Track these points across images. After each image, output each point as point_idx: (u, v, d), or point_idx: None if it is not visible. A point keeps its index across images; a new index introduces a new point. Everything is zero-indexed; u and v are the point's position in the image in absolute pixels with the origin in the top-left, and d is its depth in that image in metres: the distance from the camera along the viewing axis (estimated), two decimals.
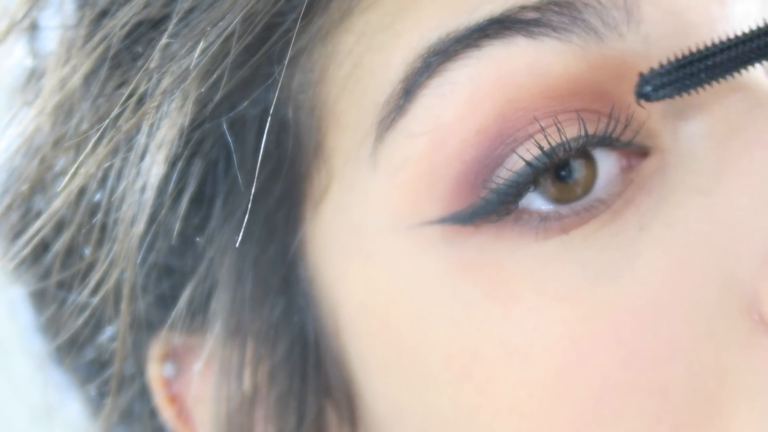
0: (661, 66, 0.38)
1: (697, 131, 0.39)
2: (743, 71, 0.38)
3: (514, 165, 0.39)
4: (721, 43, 0.38)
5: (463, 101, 0.38)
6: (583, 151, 0.39)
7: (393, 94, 0.39)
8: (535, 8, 0.38)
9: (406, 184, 0.39)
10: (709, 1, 0.39)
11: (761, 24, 0.38)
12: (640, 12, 0.38)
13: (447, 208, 0.39)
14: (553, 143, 0.38)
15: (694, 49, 0.38)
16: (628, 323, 0.37)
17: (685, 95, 0.38)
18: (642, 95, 0.38)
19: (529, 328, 0.38)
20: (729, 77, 0.38)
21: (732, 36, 0.38)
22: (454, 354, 0.39)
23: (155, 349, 0.46)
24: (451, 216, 0.39)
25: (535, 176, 0.39)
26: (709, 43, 0.38)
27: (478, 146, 0.39)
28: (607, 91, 0.39)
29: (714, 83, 0.38)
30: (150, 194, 0.40)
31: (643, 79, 0.38)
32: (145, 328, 0.44)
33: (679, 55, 0.38)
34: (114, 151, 0.41)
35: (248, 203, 0.41)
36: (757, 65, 0.38)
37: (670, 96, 0.38)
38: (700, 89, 0.38)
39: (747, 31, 0.38)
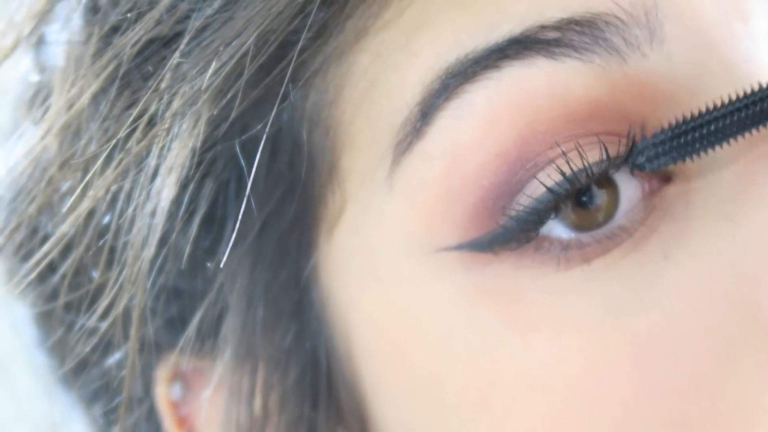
0: (655, 135, 0.37)
1: (721, 155, 0.38)
2: (739, 138, 0.37)
3: (535, 191, 0.38)
4: (716, 109, 0.37)
5: (482, 123, 0.38)
6: (605, 176, 0.38)
7: (410, 116, 0.38)
8: (556, 27, 0.37)
9: (423, 208, 0.39)
10: (732, 18, 0.38)
11: (755, 87, 0.37)
12: (663, 30, 0.37)
13: (465, 235, 0.38)
14: (575, 168, 0.37)
15: (688, 116, 0.37)
16: (651, 355, 0.36)
17: (680, 163, 0.37)
18: (635, 165, 0.38)
19: (549, 359, 0.37)
20: (725, 144, 0.37)
21: (726, 100, 0.37)
22: (470, 383, 0.38)
23: (163, 371, 0.45)
24: (469, 243, 0.38)
25: (556, 202, 0.38)
26: (703, 108, 0.37)
27: (497, 171, 0.38)
28: (628, 113, 0.38)
29: (710, 150, 0.37)
30: (160, 218, 0.39)
31: (637, 150, 0.37)
32: (153, 350, 0.43)
33: (674, 122, 0.37)
34: (123, 174, 0.40)
35: (249, 224, 0.40)
36: (754, 131, 0.37)
37: (665, 166, 0.37)
38: (695, 157, 0.37)
39: (741, 95, 0.37)
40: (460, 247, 0.38)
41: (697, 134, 0.37)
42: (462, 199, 0.38)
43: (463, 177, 0.38)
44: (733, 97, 0.37)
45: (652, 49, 0.37)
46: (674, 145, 0.37)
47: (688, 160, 0.37)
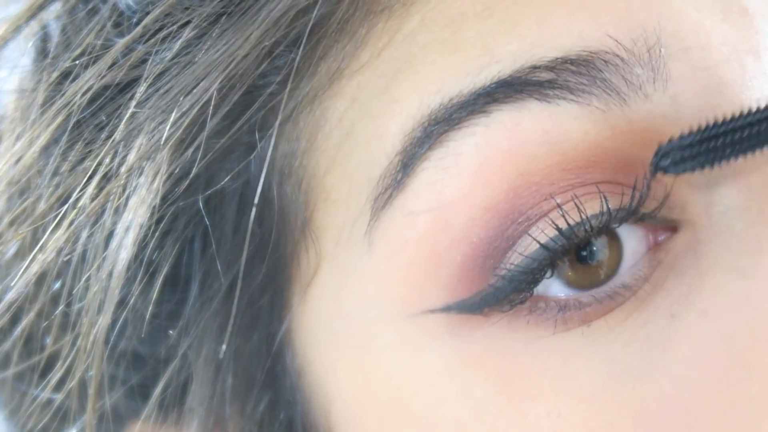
0: (683, 137, 0.34)
1: (732, 203, 0.36)
2: (753, 180, 0.35)
3: (528, 248, 0.35)
4: (751, 113, 0.34)
5: (470, 175, 0.35)
6: (607, 229, 0.36)
7: (390, 167, 0.36)
8: (549, 68, 0.35)
9: (406, 267, 0.36)
10: (743, 55, 0.36)
11: None
12: (667, 69, 0.35)
13: (452, 296, 0.36)
14: (572, 222, 0.35)
15: (720, 119, 0.34)
16: (660, 427, 0.34)
17: (707, 169, 0.34)
18: (659, 168, 0.35)
19: None
20: (759, 152, 0.35)
21: (762, 105, 0.34)
22: None
23: None
24: (458, 304, 0.36)
25: (551, 260, 0.35)
26: (737, 112, 0.34)
27: (487, 226, 0.35)
28: (631, 160, 0.36)
29: (741, 158, 0.34)
30: (117, 281, 0.37)
31: (662, 152, 0.35)
32: (113, 420, 0.40)
33: (704, 125, 0.34)
34: (76, 234, 0.37)
35: (227, 287, 0.37)
36: None
37: (691, 170, 0.34)
38: (724, 164, 0.34)
39: None
40: (447, 309, 0.36)
41: (728, 139, 0.34)
42: (449, 258, 0.36)
43: (450, 234, 0.35)
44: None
45: (655, 90, 0.35)
46: (702, 150, 0.34)
47: (716, 167, 0.35)
